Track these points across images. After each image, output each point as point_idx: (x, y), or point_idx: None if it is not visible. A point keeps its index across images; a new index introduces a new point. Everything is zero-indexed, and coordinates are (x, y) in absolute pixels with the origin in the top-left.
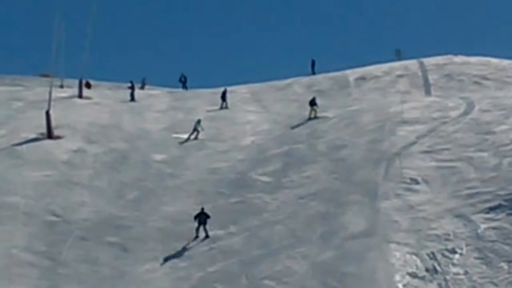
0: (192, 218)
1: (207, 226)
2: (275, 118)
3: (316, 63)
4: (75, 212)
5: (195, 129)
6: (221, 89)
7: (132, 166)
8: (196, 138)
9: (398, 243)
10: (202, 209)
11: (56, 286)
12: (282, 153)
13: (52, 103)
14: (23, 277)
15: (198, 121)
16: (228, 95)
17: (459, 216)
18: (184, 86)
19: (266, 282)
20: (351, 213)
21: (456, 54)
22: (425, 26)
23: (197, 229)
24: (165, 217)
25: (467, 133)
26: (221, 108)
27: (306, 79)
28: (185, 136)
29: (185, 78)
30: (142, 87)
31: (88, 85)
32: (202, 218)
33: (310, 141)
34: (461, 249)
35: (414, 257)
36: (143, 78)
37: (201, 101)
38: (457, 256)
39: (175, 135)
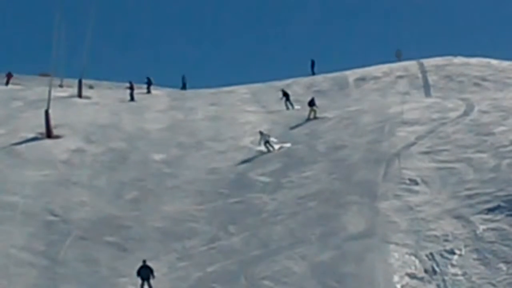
0: (192, 218)
1: (152, 281)
2: (275, 118)
3: (316, 64)
4: (74, 212)
5: (266, 141)
6: (222, 89)
7: (131, 166)
8: (269, 150)
9: (397, 244)
10: (144, 261)
11: (55, 285)
12: (282, 154)
13: (51, 102)
14: (22, 277)
15: (261, 133)
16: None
17: (458, 217)
18: (184, 87)
19: (265, 282)
20: (350, 213)
21: (455, 55)
22: (425, 27)
23: (142, 286)
24: (164, 217)
25: (466, 134)
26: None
27: (305, 80)
28: (262, 148)
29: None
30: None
31: (9, 77)
32: (144, 272)
33: (309, 142)
34: (460, 250)
35: (413, 257)
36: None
37: (200, 101)
38: (455, 257)
39: (258, 148)
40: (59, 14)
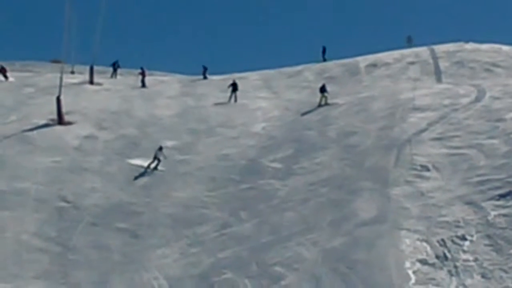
0: (203, 204)
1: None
2: (286, 104)
3: (327, 50)
4: (86, 198)
5: (157, 158)
6: (233, 76)
7: (143, 152)
8: (149, 166)
9: (409, 230)
10: None
11: (66, 272)
12: (293, 140)
13: (63, 89)
14: (34, 263)
15: (161, 148)
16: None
17: (469, 203)
18: (204, 76)
19: (276, 268)
20: (362, 199)
21: (467, 41)
22: (436, 13)
23: None
24: (175, 203)
25: (477, 120)
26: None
27: (317, 66)
28: (144, 164)
29: (205, 68)
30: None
31: (4, 71)
32: None
33: (320, 128)
34: (471, 236)
35: (424, 244)
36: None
37: (211, 88)
38: (467, 243)
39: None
40: (70, 0)
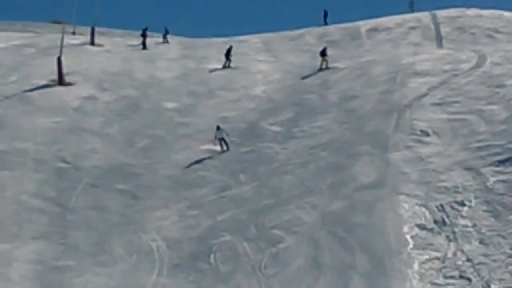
0: (203, 167)
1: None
2: (287, 68)
3: (329, 14)
4: (85, 159)
5: (221, 138)
6: (234, 39)
7: (143, 114)
8: (223, 149)
9: (407, 195)
10: None
11: (65, 232)
12: (293, 103)
13: (64, 50)
14: (32, 223)
15: (218, 128)
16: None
17: (468, 168)
18: (165, 40)
19: (275, 231)
20: (361, 164)
21: (468, 6)
22: None
23: None
24: (175, 165)
25: (478, 86)
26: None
27: (318, 30)
28: (213, 148)
29: (167, 31)
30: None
31: None
32: None
33: (321, 92)
34: (470, 201)
35: (423, 209)
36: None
37: (212, 50)
38: (465, 208)
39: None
40: None
